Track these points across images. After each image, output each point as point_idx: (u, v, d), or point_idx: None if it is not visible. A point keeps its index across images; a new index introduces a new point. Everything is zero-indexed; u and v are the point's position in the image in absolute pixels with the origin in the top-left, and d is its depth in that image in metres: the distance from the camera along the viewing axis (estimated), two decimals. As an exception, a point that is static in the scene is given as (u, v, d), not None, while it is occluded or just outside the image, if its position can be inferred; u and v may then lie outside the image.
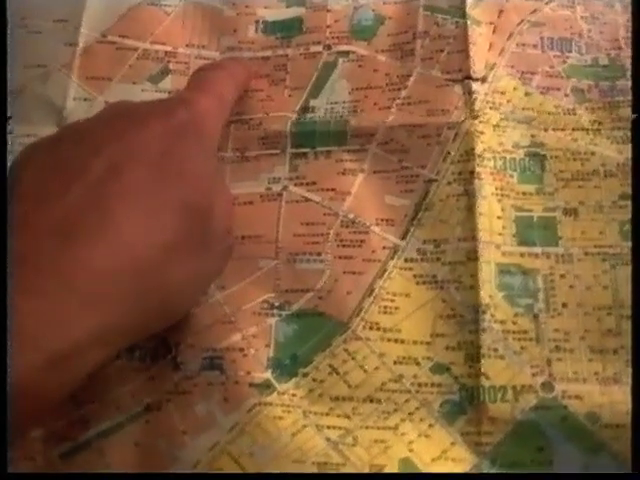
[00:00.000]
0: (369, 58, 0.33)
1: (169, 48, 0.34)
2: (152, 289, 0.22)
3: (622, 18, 0.34)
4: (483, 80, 0.31)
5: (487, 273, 0.28)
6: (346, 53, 0.33)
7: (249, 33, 0.34)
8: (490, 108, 0.31)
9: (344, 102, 0.32)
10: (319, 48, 0.34)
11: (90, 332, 0.20)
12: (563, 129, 0.31)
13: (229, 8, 0.35)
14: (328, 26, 0.34)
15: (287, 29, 0.34)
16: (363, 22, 0.34)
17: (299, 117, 0.32)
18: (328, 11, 0.34)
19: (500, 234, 0.29)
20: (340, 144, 0.31)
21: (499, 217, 0.29)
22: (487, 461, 0.26)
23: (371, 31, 0.34)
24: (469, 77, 0.31)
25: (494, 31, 0.33)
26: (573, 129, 0.31)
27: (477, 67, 0.32)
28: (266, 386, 0.28)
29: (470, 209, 0.29)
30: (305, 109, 0.32)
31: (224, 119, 0.29)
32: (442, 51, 0.32)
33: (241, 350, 0.28)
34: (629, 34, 0.33)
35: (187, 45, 0.35)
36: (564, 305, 0.29)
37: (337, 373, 0.28)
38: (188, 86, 0.29)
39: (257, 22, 0.35)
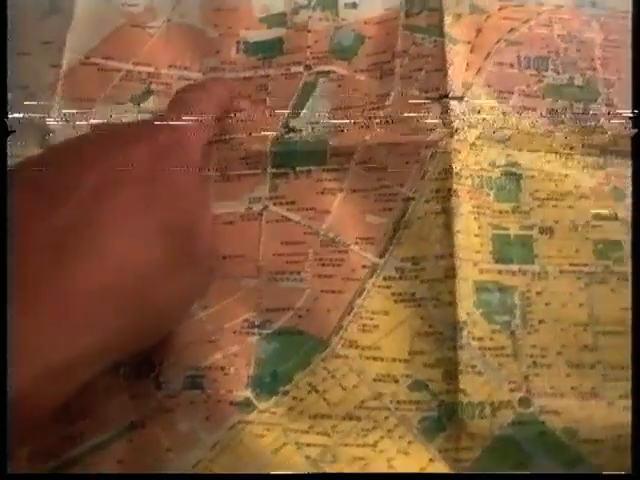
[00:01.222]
0: (349, 78, 0.34)
1: (152, 69, 0.35)
2: (137, 308, 0.23)
3: (598, 37, 0.35)
4: (460, 99, 0.33)
5: (465, 290, 0.29)
6: (326, 73, 0.35)
7: (231, 54, 0.36)
8: (467, 127, 0.32)
9: (324, 122, 0.33)
10: (300, 68, 0.35)
11: (76, 351, 0.21)
12: (538, 150, 0.33)
13: (212, 29, 0.36)
14: (308, 46, 0.35)
15: (268, 50, 0.36)
16: (343, 42, 0.35)
17: (280, 137, 0.33)
18: (309, 32, 0.36)
19: (478, 251, 0.30)
20: (320, 163, 0.32)
21: (476, 235, 0.31)
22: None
23: (351, 51, 0.35)
24: (447, 96, 0.33)
25: (472, 50, 0.34)
26: (547, 151, 0.33)
27: (455, 86, 0.33)
28: (247, 404, 0.29)
29: (448, 227, 0.30)
30: (286, 129, 0.33)
31: (205, 138, 0.30)
32: (420, 70, 0.34)
33: (222, 369, 0.29)
34: (605, 54, 0.35)
35: (170, 66, 0.36)
36: (541, 321, 0.30)
37: (316, 391, 0.29)
38: (170, 108, 0.30)
39: (239, 43, 0.36)
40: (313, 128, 0.33)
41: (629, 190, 0.32)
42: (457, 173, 0.31)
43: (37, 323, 0.20)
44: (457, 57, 0.34)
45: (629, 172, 0.33)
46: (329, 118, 0.34)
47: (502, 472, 0.27)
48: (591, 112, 0.33)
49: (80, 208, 0.22)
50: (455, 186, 0.31)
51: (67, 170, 0.24)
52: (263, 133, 0.33)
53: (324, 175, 0.32)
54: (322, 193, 0.32)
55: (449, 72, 0.33)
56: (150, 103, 0.35)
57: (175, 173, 0.26)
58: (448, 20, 0.35)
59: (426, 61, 0.34)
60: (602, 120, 0.33)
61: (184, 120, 0.28)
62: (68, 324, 0.21)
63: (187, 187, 0.26)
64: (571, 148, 0.33)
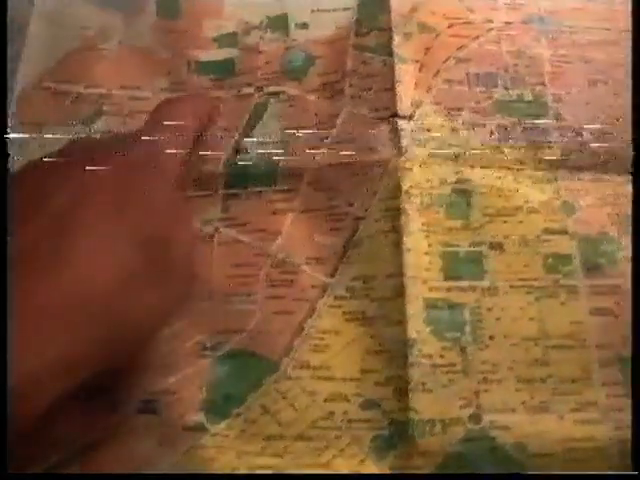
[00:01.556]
0: (300, 98, 0.35)
1: (103, 90, 0.36)
2: (110, 321, 0.23)
3: (547, 52, 0.36)
4: (410, 117, 0.33)
5: (414, 308, 0.30)
6: (277, 94, 0.35)
7: (182, 74, 0.36)
8: (417, 145, 0.33)
9: (275, 142, 0.34)
10: (251, 90, 0.36)
11: (47, 364, 0.21)
12: (488, 167, 0.33)
13: (163, 50, 0.37)
14: (259, 67, 0.36)
15: (220, 70, 0.36)
16: (294, 63, 0.36)
17: (231, 158, 0.34)
18: (260, 52, 0.36)
19: (427, 269, 0.31)
20: (271, 184, 0.33)
21: (426, 252, 0.31)
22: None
23: (302, 71, 0.36)
24: (396, 115, 0.33)
25: (421, 68, 0.35)
26: (497, 167, 0.33)
27: (403, 105, 0.33)
28: (199, 428, 0.29)
29: (397, 245, 0.31)
30: (237, 150, 0.34)
31: (182, 152, 0.30)
32: (370, 89, 0.34)
33: (175, 392, 0.29)
34: (554, 69, 0.35)
35: (121, 87, 0.36)
36: (491, 337, 0.30)
37: (269, 412, 0.29)
38: (149, 120, 0.30)
39: (189, 63, 0.37)
40: (264, 149, 0.33)
41: (579, 204, 0.33)
42: (406, 192, 0.32)
43: (5, 336, 0.20)
44: (406, 76, 0.34)
45: (579, 186, 0.34)
46: (280, 139, 0.34)
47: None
48: (541, 127, 0.34)
49: (53, 220, 0.23)
50: (404, 205, 0.31)
51: (44, 182, 0.24)
52: (214, 154, 0.33)
53: (275, 196, 0.33)
54: (273, 214, 0.32)
55: (398, 91, 0.34)
56: (101, 124, 0.35)
57: (150, 185, 0.26)
58: (397, 39, 0.35)
59: (375, 80, 0.35)
60: (552, 135, 0.34)
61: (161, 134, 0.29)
62: (34, 337, 0.21)
63: (162, 200, 0.26)
64: (521, 163, 0.33)
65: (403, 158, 0.33)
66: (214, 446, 0.29)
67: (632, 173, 0.34)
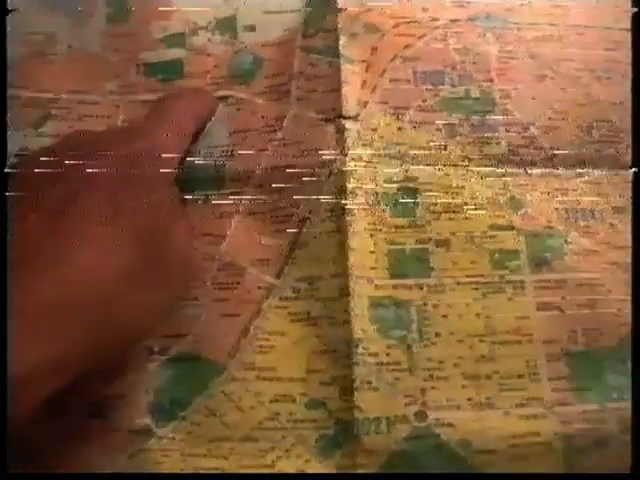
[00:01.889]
0: (247, 101, 0.35)
1: (51, 95, 0.36)
2: (106, 318, 0.23)
3: (494, 49, 0.36)
4: (355, 118, 0.34)
5: (359, 307, 0.30)
6: (225, 98, 0.36)
7: (131, 76, 0.37)
8: (362, 145, 0.33)
9: (222, 146, 0.34)
10: None
11: (43, 360, 0.21)
12: (435, 164, 0.33)
13: (112, 53, 0.37)
14: (208, 71, 0.36)
15: (168, 72, 0.36)
16: (242, 66, 0.36)
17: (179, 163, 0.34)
18: (208, 55, 0.37)
19: (373, 268, 0.31)
20: (218, 188, 0.33)
21: (372, 251, 0.31)
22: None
23: (250, 74, 0.36)
24: (341, 116, 0.33)
25: (367, 69, 0.35)
26: (444, 164, 0.34)
27: (349, 105, 0.34)
28: (146, 432, 0.29)
29: (342, 245, 0.31)
30: (185, 153, 0.34)
31: (182, 147, 0.31)
32: (316, 91, 0.35)
33: (122, 397, 0.30)
34: (501, 65, 0.36)
35: (70, 91, 0.36)
36: (437, 334, 0.30)
37: (214, 414, 0.29)
38: (146, 116, 0.31)
39: (138, 65, 0.37)
40: (211, 153, 0.34)
41: (527, 199, 0.33)
42: (351, 192, 0.32)
43: (5, 336, 0.20)
44: (352, 76, 0.35)
45: (527, 180, 0.34)
46: (227, 142, 0.34)
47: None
48: (488, 123, 0.34)
49: (50, 217, 0.23)
50: (349, 205, 0.32)
51: (41, 178, 0.24)
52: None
53: (221, 199, 0.33)
54: (220, 217, 0.33)
55: (344, 92, 0.34)
56: (48, 127, 0.35)
57: (147, 182, 0.26)
58: (343, 40, 0.35)
59: (322, 82, 0.35)
60: (499, 130, 0.34)
61: (158, 129, 0.29)
62: (31, 333, 0.21)
63: (159, 196, 0.26)
64: (469, 160, 0.34)
65: (348, 158, 0.33)
66: (160, 449, 0.29)
67: (632, 173, 0.34)
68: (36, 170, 0.25)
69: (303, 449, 0.29)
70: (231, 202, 0.33)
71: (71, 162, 0.25)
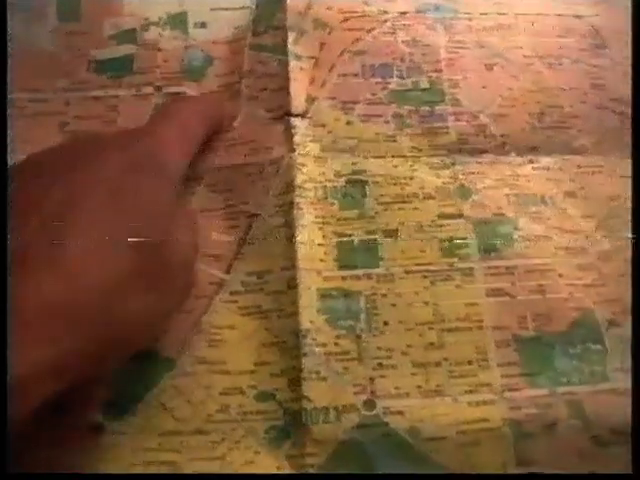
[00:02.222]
0: None
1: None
2: (105, 322, 0.23)
3: (443, 39, 0.37)
4: (304, 115, 0.34)
5: (307, 299, 0.31)
6: (176, 94, 0.36)
7: (81, 73, 0.37)
8: (311, 141, 0.34)
9: None
10: (150, 89, 0.37)
11: (41, 363, 0.21)
12: (384, 156, 0.34)
13: (65, 51, 0.38)
14: (158, 66, 0.37)
15: (117, 68, 0.37)
16: (193, 62, 0.37)
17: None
18: (159, 50, 0.37)
19: (322, 260, 0.32)
20: None
21: (320, 244, 0.32)
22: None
23: (200, 72, 0.37)
24: (290, 114, 0.34)
25: (316, 65, 0.36)
26: (393, 156, 0.34)
27: (297, 103, 0.35)
28: (99, 427, 0.30)
29: (290, 239, 0.32)
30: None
31: (189, 151, 0.30)
32: (265, 89, 0.35)
33: (77, 391, 0.30)
34: (450, 55, 0.36)
35: (21, 89, 0.37)
36: (386, 323, 0.31)
37: (165, 409, 0.30)
38: (151, 118, 0.31)
39: (89, 62, 0.37)
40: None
41: (476, 187, 0.34)
42: (299, 186, 0.33)
43: (5, 336, 0.20)
44: (301, 73, 0.35)
45: (477, 168, 0.35)
46: None
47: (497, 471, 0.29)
48: (437, 113, 0.35)
49: (50, 218, 0.23)
50: (297, 199, 0.32)
51: (41, 179, 0.24)
52: None
53: None
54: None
55: (292, 89, 0.35)
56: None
57: (149, 184, 0.26)
58: (292, 37, 0.36)
59: (271, 80, 0.36)
60: (449, 120, 0.34)
61: (164, 130, 0.29)
62: (29, 336, 0.20)
63: (161, 199, 0.26)
64: (418, 150, 0.34)
65: (296, 155, 0.34)
66: (112, 445, 0.29)
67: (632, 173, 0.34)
68: (36, 172, 0.25)
69: (253, 440, 0.29)
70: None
71: (72, 162, 0.25)
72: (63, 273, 0.22)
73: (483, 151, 0.35)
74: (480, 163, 0.34)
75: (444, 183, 0.33)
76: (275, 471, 0.29)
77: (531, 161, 0.35)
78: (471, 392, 0.30)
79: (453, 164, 0.34)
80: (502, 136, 0.35)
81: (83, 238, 0.23)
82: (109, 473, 0.29)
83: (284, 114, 0.34)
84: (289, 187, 0.33)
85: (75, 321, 0.22)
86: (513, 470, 0.29)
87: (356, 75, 0.36)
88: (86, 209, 0.23)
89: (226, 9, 0.38)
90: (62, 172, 0.24)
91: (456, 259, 0.32)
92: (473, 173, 0.34)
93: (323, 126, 0.34)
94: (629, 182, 0.35)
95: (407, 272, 0.32)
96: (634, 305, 0.30)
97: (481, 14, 0.38)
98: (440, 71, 0.36)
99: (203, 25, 0.38)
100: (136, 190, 0.25)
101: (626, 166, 0.35)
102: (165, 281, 0.26)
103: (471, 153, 0.34)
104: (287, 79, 0.35)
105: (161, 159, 0.27)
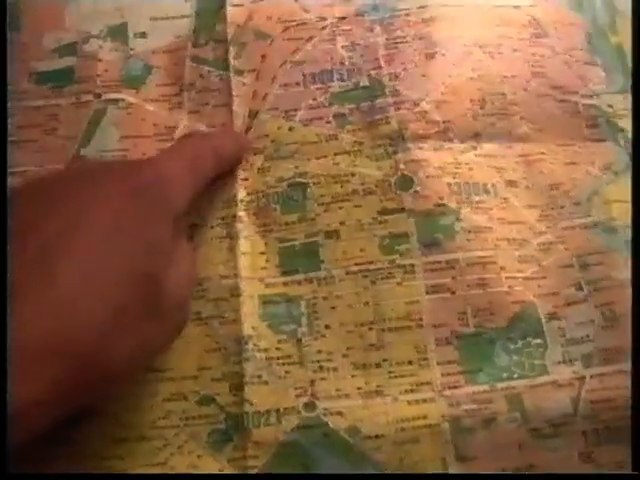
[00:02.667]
0: (138, 106, 0.37)
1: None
2: (93, 355, 0.23)
3: (381, 39, 0.37)
4: (247, 130, 0.35)
5: (250, 306, 0.32)
6: (116, 101, 0.37)
7: (22, 84, 0.38)
8: (254, 154, 0.35)
9: (113, 150, 0.35)
10: (90, 97, 0.37)
11: (26, 397, 0.20)
12: (325, 156, 0.35)
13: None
14: (99, 75, 0.37)
15: (58, 79, 0.38)
16: (133, 72, 0.38)
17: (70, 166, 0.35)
18: (99, 61, 0.38)
19: (264, 268, 0.33)
20: None
21: (262, 252, 0.33)
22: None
23: (140, 80, 0.37)
24: None
25: (257, 77, 0.37)
26: (335, 154, 0.35)
27: (240, 119, 0.36)
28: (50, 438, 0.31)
29: (232, 249, 0.33)
30: (76, 158, 0.35)
31: (195, 188, 0.29)
32: (207, 104, 0.36)
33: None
34: (388, 51, 0.37)
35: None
36: (327, 326, 0.32)
37: (113, 416, 0.31)
38: (161, 151, 0.31)
39: (30, 74, 0.38)
40: (102, 156, 0.35)
41: (418, 176, 0.34)
42: (242, 200, 0.34)
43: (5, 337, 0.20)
44: (243, 89, 0.36)
45: (419, 156, 0.35)
46: (118, 147, 0.36)
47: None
48: (378, 106, 0.35)
49: (46, 247, 0.22)
50: (240, 213, 0.34)
51: (40, 207, 0.24)
52: (55, 164, 0.35)
53: None
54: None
55: (234, 106, 0.36)
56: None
57: (148, 217, 0.25)
58: (233, 51, 0.37)
59: (212, 96, 0.36)
60: (390, 110, 0.35)
61: (171, 163, 0.28)
62: (18, 366, 0.20)
63: (159, 234, 0.26)
64: (359, 144, 0.35)
65: (239, 170, 0.35)
66: (61, 452, 0.30)
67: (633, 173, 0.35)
68: (36, 198, 0.25)
69: (195, 445, 0.30)
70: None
71: (73, 189, 0.25)
72: (57, 307, 0.22)
73: (425, 137, 0.35)
74: (422, 149, 0.35)
75: (385, 175, 0.34)
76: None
77: (474, 147, 0.35)
78: (411, 391, 0.31)
79: (395, 152, 0.34)
80: (444, 122, 0.35)
81: (79, 270, 0.22)
82: (109, 473, 0.30)
83: None
84: (232, 201, 0.34)
85: (68, 356, 0.22)
86: (453, 465, 0.30)
87: (297, 84, 0.36)
88: (84, 240, 0.23)
89: (166, 18, 0.39)
90: (63, 199, 0.24)
91: (397, 256, 0.33)
92: (414, 161, 0.34)
93: (266, 136, 0.35)
94: (570, 170, 0.35)
95: (347, 273, 0.32)
96: (634, 305, 0.31)
97: (419, 7, 0.38)
98: (380, 67, 0.36)
99: (143, 35, 0.38)
100: (135, 223, 0.25)
101: (567, 153, 0.35)
102: (161, 316, 0.25)
103: (413, 140, 0.35)
104: (229, 96, 0.36)
105: (163, 192, 0.27)
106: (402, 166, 0.34)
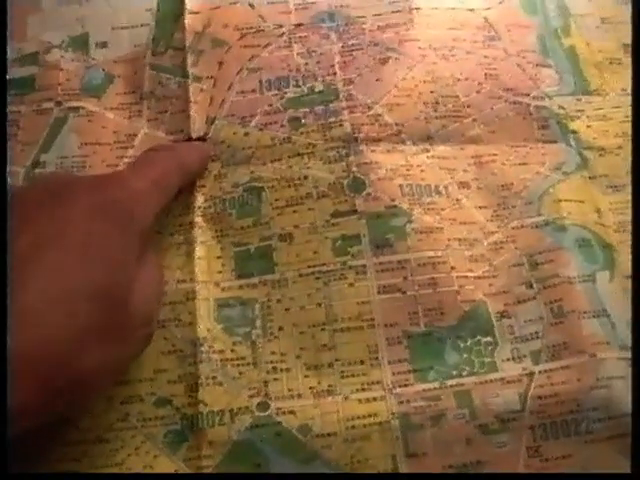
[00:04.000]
0: (98, 114, 0.39)
1: None
2: (60, 372, 0.23)
3: (337, 46, 0.39)
4: (204, 138, 0.37)
5: (205, 310, 0.34)
6: (76, 109, 0.39)
7: None
8: (212, 161, 0.37)
9: (73, 157, 0.38)
10: (50, 104, 0.39)
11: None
12: (279, 159, 0.37)
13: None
14: (60, 84, 0.40)
15: (20, 87, 0.40)
16: (93, 81, 0.40)
17: (29, 172, 0.37)
18: (60, 70, 0.40)
19: (219, 272, 0.35)
20: None
21: (218, 257, 0.35)
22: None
23: (101, 89, 0.40)
24: (190, 138, 0.37)
25: (214, 84, 0.39)
26: (289, 157, 0.37)
27: (197, 126, 0.38)
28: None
29: (189, 255, 0.35)
30: (36, 164, 0.37)
31: (161, 202, 0.31)
32: (166, 112, 0.38)
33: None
34: (343, 58, 0.39)
35: None
36: (280, 328, 0.34)
37: (69, 420, 0.33)
38: (129, 165, 0.33)
39: None
40: (62, 163, 0.37)
41: (370, 178, 0.36)
42: (199, 207, 0.36)
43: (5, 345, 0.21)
44: (200, 95, 0.38)
45: (372, 158, 0.37)
46: (78, 153, 0.38)
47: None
48: (332, 110, 0.37)
49: (15, 263, 0.23)
50: (197, 219, 0.36)
51: (11, 221, 0.25)
52: (13, 168, 0.37)
53: None
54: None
55: (192, 112, 0.38)
56: None
57: (114, 234, 0.26)
58: (191, 59, 0.39)
59: (171, 103, 0.39)
60: (343, 114, 0.37)
61: (137, 179, 0.29)
62: None
63: (125, 251, 0.27)
64: (313, 146, 0.37)
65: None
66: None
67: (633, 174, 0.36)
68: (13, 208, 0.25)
69: (151, 445, 0.32)
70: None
71: (43, 204, 0.26)
72: (23, 322, 0.22)
73: (378, 140, 0.37)
74: (374, 152, 0.36)
75: (338, 178, 0.36)
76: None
77: (426, 150, 0.37)
78: (362, 390, 0.33)
79: (347, 155, 0.36)
80: (397, 124, 0.37)
81: (46, 286, 0.23)
82: (109, 473, 0.31)
83: (185, 139, 0.37)
84: (189, 208, 0.36)
85: (32, 371, 0.22)
86: (403, 461, 0.31)
87: (254, 91, 0.38)
88: (51, 255, 0.24)
89: (126, 27, 0.41)
90: (31, 215, 0.25)
91: (349, 257, 0.35)
92: (367, 163, 0.36)
93: (222, 142, 0.37)
94: (521, 170, 0.37)
95: (300, 275, 0.34)
96: (634, 304, 0.32)
97: (374, 15, 0.40)
98: (334, 74, 0.38)
99: (104, 45, 0.41)
100: (103, 240, 0.26)
101: (519, 154, 0.37)
102: (126, 332, 0.27)
103: (365, 142, 0.37)
104: (187, 102, 0.38)
105: (129, 208, 0.28)
106: (354, 169, 0.36)
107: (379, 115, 0.37)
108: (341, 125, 0.37)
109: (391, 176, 0.36)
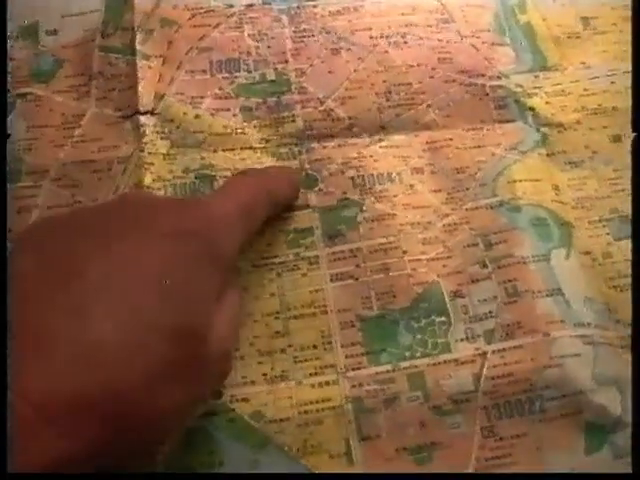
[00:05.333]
0: (46, 98, 0.40)
1: None
2: (132, 412, 0.22)
3: (288, 30, 0.41)
4: (152, 112, 0.38)
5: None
6: (24, 95, 0.40)
7: None
8: (161, 138, 0.38)
9: (20, 140, 0.39)
10: None
11: (58, 458, 0.20)
12: (232, 149, 0.38)
13: None
14: (10, 73, 0.41)
15: None
16: (43, 67, 0.41)
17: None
18: (11, 60, 0.41)
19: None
20: (16, 181, 0.38)
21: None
22: (162, 470, 0.32)
23: (50, 74, 0.41)
24: (137, 112, 0.38)
25: (164, 63, 0.40)
26: (241, 148, 0.38)
27: (145, 100, 0.39)
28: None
29: None
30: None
31: (246, 231, 0.29)
32: (114, 90, 0.40)
33: None
34: (295, 45, 0.40)
35: None
36: (234, 317, 0.35)
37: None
38: (212, 192, 0.33)
39: None
40: (9, 147, 0.38)
41: (322, 174, 0.38)
42: (148, 186, 0.37)
43: (13, 420, 0.19)
44: (148, 72, 0.40)
45: (324, 154, 0.38)
46: (25, 137, 0.39)
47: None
48: (284, 103, 0.39)
49: (85, 294, 0.22)
50: None
51: (86, 243, 0.24)
52: None
53: (19, 192, 0.37)
54: (18, 212, 0.37)
55: (140, 88, 0.39)
56: None
57: (196, 265, 0.25)
58: (140, 37, 0.40)
59: (119, 80, 0.40)
60: (296, 108, 0.38)
61: (222, 204, 0.28)
62: (45, 427, 0.20)
63: (206, 284, 0.26)
64: (266, 142, 0.38)
65: (145, 153, 0.38)
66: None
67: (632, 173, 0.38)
68: (68, 234, 0.25)
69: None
70: (29, 195, 0.37)
71: (119, 230, 0.25)
72: (93, 363, 0.21)
73: (330, 136, 0.38)
74: (326, 148, 0.38)
75: None
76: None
77: (380, 140, 0.39)
78: (315, 374, 0.34)
79: (300, 153, 0.38)
80: (350, 118, 0.38)
81: (118, 323, 0.22)
82: (109, 473, 0.32)
83: (132, 113, 0.38)
84: (138, 187, 0.37)
85: (101, 410, 0.21)
86: (356, 445, 0.33)
87: (204, 71, 0.40)
88: (126, 290, 0.22)
89: (77, 14, 0.42)
90: (108, 239, 0.24)
91: (302, 249, 0.36)
92: (319, 160, 0.38)
93: (172, 121, 0.38)
94: (476, 153, 0.38)
95: (254, 266, 0.36)
96: (634, 304, 0.33)
97: (327, 1, 0.41)
98: (286, 62, 0.40)
99: (54, 32, 0.42)
100: (183, 272, 0.24)
101: (475, 137, 0.39)
102: (203, 370, 0.25)
103: (318, 139, 0.38)
104: (135, 78, 0.39)
105: (212, 234, 0.26)
106: (307, 166, 0.38)
107: (331, 110, 0.39)
108: (293, 121, 0.38)
109: (343, 169, 0.38)
